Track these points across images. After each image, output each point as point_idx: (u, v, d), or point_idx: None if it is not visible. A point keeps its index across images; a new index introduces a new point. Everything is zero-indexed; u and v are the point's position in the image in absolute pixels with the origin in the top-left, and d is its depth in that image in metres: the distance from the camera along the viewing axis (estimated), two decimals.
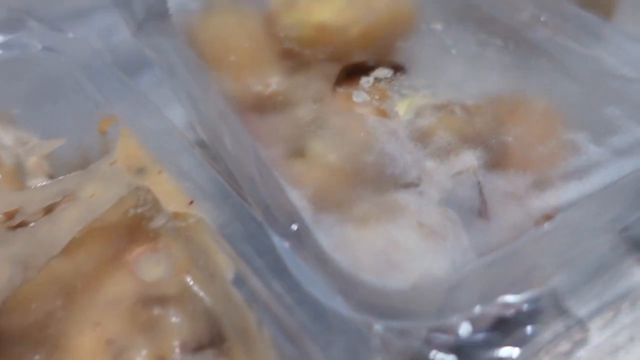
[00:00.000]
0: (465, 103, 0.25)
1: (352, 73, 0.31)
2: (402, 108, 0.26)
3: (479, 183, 0.22)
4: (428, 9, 0.31)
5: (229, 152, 0.23)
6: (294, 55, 0.33)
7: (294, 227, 0.21)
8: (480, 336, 0.18)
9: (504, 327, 0.19)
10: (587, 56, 0.26)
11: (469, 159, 0.23)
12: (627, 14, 0.48)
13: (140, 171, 0.23)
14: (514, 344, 0.19)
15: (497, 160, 0.23)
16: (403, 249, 0.21)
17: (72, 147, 0.29)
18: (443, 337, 0.18)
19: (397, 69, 0.31)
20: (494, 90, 0.27)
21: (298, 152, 0.31)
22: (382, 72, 0.30)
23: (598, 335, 0.26)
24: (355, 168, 0.25)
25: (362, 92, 0.29)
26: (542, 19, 0.27)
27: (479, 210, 0.22)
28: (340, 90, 0.31)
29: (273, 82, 0.30)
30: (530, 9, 0.28)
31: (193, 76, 0.25)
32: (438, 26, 0.30)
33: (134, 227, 0.23)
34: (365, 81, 0.30)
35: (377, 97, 0.28)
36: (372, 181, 0.24)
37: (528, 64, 0.28)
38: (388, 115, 0.27)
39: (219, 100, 0.26)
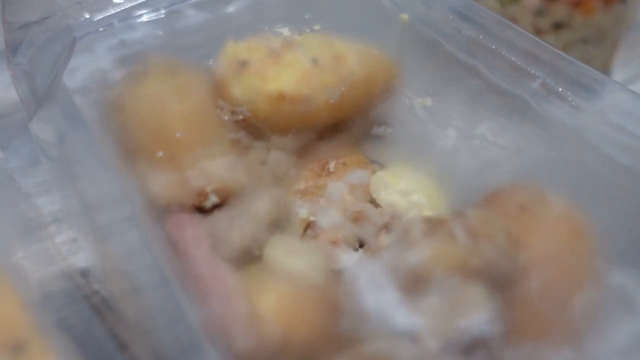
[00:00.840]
0: (467, 218, 0.18)
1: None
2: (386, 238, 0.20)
3: None
4: (412, 75, 0.25)
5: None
6: (248, 130, 0.26)
7: None
8: None
9: None
10: (620, 143, 0.20)
11: (475, 321, 0.16)
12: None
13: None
14: None
15: (511, 322, 0.16)
16: None
17: None
18: None
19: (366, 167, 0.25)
20: (497, 183, 0.20)
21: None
22: (357, 175, 0.24)
23: None
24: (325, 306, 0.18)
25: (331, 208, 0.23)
26: (559, 89, 0.21)
27: None
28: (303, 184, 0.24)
29: (219, 167, 0.24)
30: (543, 76, 0.22)
31: (100, 180, 0.19)
32: (427, 102, 0.24)
33: None
34: (335, 188, 0.23)
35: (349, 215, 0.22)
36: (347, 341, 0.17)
37: (539, 144, 0.22)
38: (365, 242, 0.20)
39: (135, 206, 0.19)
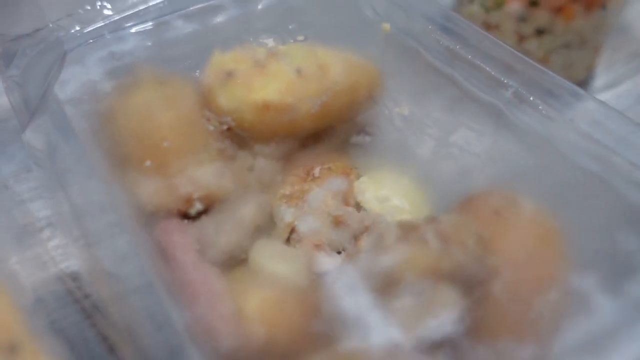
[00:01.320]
0: (440, 223, 0.19)
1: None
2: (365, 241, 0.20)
3: None
4: (392, 84, 0.26)
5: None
6: (234, 139, 0.27)
7: None
8: None
9: None
10: (589, 151, 0.21)
11: (446, 323, 0.17)
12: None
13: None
14: None
15: (480, 321, 0.17)
16: None
17: None
18: None
19: (350, 172, 0.26)
20: (472, 189, 0.21)
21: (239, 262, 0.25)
22: (340, 181, 0.25)
23: None
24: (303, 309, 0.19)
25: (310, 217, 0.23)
26: (531, 98, 0.22)
27: None
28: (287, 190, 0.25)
29: (206, 175, 0.25)
30: (516, 85, 0.23)
31: (88, 188, 0.20)
32: (404, 110, 0.25)
33: None
34: (316, 195, 0.24)
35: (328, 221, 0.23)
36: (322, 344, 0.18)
37: (510, 152, 0.23)
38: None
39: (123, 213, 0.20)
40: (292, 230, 0.26)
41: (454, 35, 0.26)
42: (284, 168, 0.28)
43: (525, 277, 0.20)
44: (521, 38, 0.40)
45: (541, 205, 0.21)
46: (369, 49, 0.29)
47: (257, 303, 0.22)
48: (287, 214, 0.26)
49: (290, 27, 0.28)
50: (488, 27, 0.41)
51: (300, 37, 0.28)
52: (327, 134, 0.28)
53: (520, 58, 0.24)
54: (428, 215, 0.21)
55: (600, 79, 0.46)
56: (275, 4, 0.29)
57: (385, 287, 0.18)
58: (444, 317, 0.17)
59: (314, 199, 0.26)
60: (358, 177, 0.29)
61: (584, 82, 0.45)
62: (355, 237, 0.23)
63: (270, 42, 0.27)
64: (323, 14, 0.30)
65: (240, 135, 0.27)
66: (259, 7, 0.29)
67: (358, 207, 0.28)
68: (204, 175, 0.24)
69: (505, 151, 0.23)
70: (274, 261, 0.23)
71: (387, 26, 0.30)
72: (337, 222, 0.25)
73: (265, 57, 0.27)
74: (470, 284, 0.18)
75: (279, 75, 0.26)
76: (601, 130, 0.21)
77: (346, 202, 0.28)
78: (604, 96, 0.44)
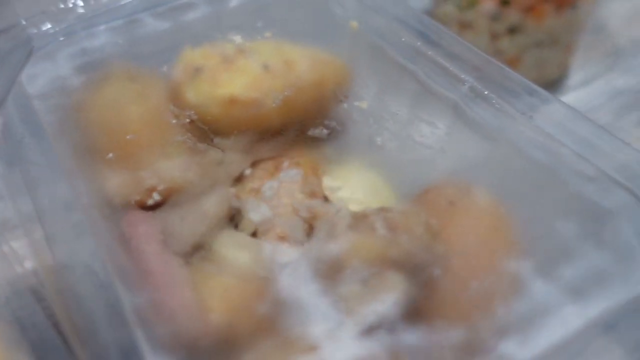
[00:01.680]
0: (389, 212, 0.20)
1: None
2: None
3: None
4: (360, 76, 0.27)
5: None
6: (204, 134, 0.28)
7: None
8: None
9: None
10: (538, 143, 0.21)
11: (385, 306, 0.18)
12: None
13: None
14: None
15: (420, 306, 0.18)
16: None
17: None
18: None
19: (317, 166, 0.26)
20: (426, 181, 0.22)
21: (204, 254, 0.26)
22: (289, 174, 0.25)
23: None
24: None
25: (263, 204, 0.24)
26: (485, 92, 0.23)
27: None
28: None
29: (171, 167, 0.25)
30: (472, 80, 0.23)
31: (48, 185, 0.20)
32: (364, 105, 0.25)
33: None
34: (269, 187, 0.25)
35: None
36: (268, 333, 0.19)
37: (466, 145, 0.23)
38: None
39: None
40: (259, 223, 0.27)
41: (416, 32, 0.27)
42: (254, 162, 0.29)
43: (473, 264, 0.20)
44: (494, 36, 0.41)
45: (493, 195, 0.22)
46: (337, 46, 0.30)
47: (219, 292, 0.23)
48: (253, 207, 0.27)
49: (258, 24, 0.29)
50: (462, 26, 0.42)
51: (268, 34, 0.29)
52: (294, 128, 0.29)
53: (476, 53, 0.25)
54: (381, 206, 0.22)
55: (574, 77, 0.47)
56: (245, 2, 0.30)
57: (332, 273, 0.18)
58: (387, 302, 0.18)
59: (281, 192, 0.27)
60: (323, 170, 0.29)
61: (557, 80, 0.45)
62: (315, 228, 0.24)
63: (238, 39, 0.28)
64: (292, 12, 0.30)
65: (210, 129, 0.28)
66: (230, 5, 0.30)
67: (325, 199, 0.28)
68: (169, 168, 0.25)
69: (461, 144, 0.23)
70: (236, 252, 0.24)
71: (354, 24, 0.30)
72: (303, 215, 0.25)
73: (234, 53, 0.28)
74: (418, 271, 0.19)
75: (245, 71, 0.27)
76: (552, 124, 0.22)
77: (313, 195, 0.28)
78: (577, 94, 0.45)
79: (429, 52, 0.26)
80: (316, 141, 0.29)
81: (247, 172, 0.29)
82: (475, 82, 0.24)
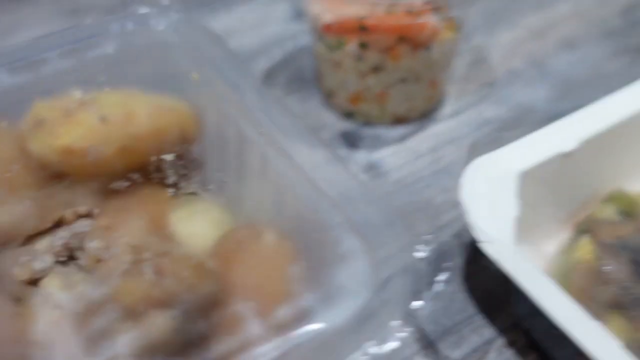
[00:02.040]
0: (164, 257, 0.23)
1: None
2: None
3: None
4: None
5: None
6: (54, 179, 0.31)
7: None
8: None
9: None
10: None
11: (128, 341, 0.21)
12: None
13: None
14: None
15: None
16: None
17: None
18: None
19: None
20: None
21: None
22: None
23: None
24: None
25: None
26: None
27: None
28: None
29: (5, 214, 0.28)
30: None
31: None
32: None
33: None
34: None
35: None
36: None
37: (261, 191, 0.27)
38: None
39: None
40: (98, 260, 0.30)
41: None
42: (104, 202, 0.32)
43: (260, 292, 0.24)
44: (361, 74, 0.45)
45: (281, 233, 0.25)
46: (183, 94, 0.33)
47: (44, 325, 0.26)
48: (92, 245, 0.30)
49: (102, 78, 0.32)
50: (334, 64, 0.45)
51: (107, 88, 0.32)
52: (138, 173, 0.32)
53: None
54: (161, 250, 0.25)
55: (448, 107, 0.50)
56: (98, 56, 0.33)
57: (90, 313, 0.21)
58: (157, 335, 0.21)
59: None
60: (170, 207, 0.32)
61: (430, 111, 0.49)
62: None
63: (78, 94, 0.31)
64: (139, 66, 0.33)
65: (55, 176, 0.31)
66: (80, 61, 0.33)
67: (169, 238, 0.31)
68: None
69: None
70: (60, 290, 0.26)
71: (196, 75, 0.34)
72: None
73: (77, 106, 0.31)
74: (187, 308, 0.22)
75: (82, 123, 0.30)
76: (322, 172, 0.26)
77: (158, 234, 0.31)
78: (448, 123, 0.49)
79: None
80: (162, 183, 0.32)
81: (95, 211, 0.32)
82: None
